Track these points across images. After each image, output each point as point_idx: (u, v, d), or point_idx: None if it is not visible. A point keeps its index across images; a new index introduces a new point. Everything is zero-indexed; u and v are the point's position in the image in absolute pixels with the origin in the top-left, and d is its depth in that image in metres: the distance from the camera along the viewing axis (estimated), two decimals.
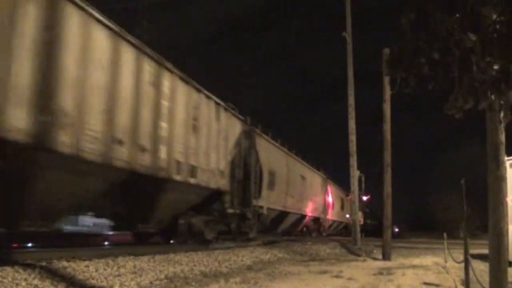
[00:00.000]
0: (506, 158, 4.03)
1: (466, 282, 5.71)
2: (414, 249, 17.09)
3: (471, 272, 5.57)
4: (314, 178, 24.25)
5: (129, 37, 7.55)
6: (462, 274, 6.29)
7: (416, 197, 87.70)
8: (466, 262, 5.66)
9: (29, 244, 8.37)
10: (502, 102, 3.45)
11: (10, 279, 4.76)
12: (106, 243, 10.79)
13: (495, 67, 3.04)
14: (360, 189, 30.60)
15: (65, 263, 5.84)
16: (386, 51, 11.26)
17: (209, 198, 10.59)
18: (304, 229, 24.10)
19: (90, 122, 6.55)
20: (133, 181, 7.57)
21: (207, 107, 10.37)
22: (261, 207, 14.01)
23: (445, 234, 12.76)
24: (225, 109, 11.39)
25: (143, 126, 7.82)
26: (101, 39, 6.87)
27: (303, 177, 21.22)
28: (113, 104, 7.08)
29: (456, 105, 3.23)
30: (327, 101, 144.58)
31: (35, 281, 4.87)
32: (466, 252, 5.64)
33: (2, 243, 7.21)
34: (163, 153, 8.39)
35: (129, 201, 8.09)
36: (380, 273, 8.18)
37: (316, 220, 24.99)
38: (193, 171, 9.54)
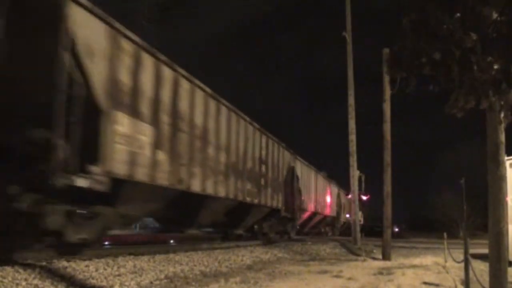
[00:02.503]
0: (506, 158, 4.03)
1: (466, 282, 5.72)
2: (414, 249, 17.11)
3: (471, 272, 5.57)
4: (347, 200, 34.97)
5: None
6: (462, 274, 6.29)
7: (416, 197, 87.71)
8: (466, 262, 5.67)
9: None
10: (502, 102, 3.45)
11: (10, 279, 4.75)
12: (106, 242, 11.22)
13: (496, 66, 3.04)
14: (360, 189, 31.13)
15: (65, 263, 5.84)
16: (386, 51, 11.26)
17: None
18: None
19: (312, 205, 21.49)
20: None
21: (335, 188, 27.61)
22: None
23: (445, 234, 12.76)
24: (334, 184, 27.74)
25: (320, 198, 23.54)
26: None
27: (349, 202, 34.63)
28: (319, 197, 23.00)
29: (457, 105, 3.23)
30: (328, 101, 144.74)
31: (35, 281, 4.87)
32: (466, 252, 5.64)
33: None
34: (325, 205, 24.16)
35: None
36: (380, 273, 8.18)
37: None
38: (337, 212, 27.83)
